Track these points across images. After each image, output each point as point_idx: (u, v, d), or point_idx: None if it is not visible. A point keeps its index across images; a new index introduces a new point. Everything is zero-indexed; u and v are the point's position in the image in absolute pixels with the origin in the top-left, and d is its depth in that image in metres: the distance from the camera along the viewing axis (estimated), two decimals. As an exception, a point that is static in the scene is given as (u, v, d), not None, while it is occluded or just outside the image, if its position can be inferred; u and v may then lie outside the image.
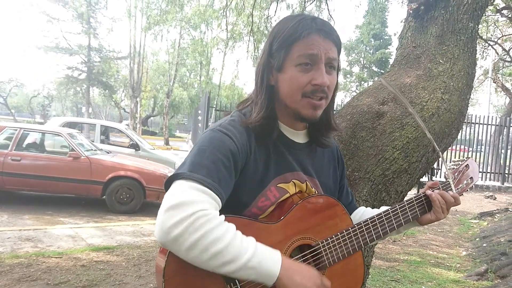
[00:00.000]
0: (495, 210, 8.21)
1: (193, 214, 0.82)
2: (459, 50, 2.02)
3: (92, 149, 7.02)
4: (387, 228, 1.09)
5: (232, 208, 0.97)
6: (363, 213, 1.24)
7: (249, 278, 0.87)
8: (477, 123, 13.33)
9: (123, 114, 35.65)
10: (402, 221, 1.11)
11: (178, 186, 0.88)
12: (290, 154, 1.10)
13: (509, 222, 6.73)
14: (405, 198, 1.27)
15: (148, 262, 3.83)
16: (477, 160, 13.98)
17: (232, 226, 0.88)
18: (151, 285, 3.24)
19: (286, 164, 1.08)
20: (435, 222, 5.05)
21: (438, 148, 1.12)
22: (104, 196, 6.37)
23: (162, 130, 29.18)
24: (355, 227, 1.06)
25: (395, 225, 1.10)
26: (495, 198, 10.73)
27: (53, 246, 4.17)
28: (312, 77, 0.99)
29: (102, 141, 9.28)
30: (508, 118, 13.95)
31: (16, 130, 6.47)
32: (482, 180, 13.48)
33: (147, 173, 6.51)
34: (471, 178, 1.22)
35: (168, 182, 0.91)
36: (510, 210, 8.07)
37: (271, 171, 1.05)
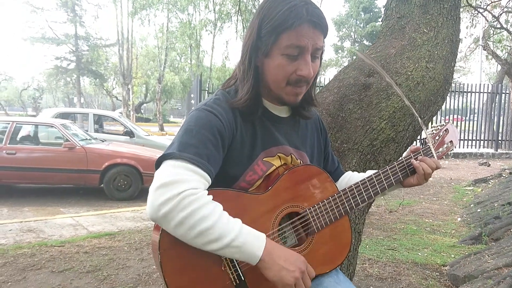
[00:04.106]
0: (489, 176, 8.34)
1: (182, 192, 0.86)
2: (442, 18, 2.03)
3: (86, 139, 7.02)
4: (371, 193, 1.14)
5: (221, 183, 1.01)
6: (349, 177, 1.29)
7: (233, 256, 0.91)
8: (469, 92, 13.39)
9: (115, 102, 35.42)
10: (386, 185, 1.16)
11: (168, 165, 0.91)
12: (276, 128, 1.13)
13: (502, 187, 6.85)
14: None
15: (150, 246, 3.90)
16: (471, 128, 14.11)
17: (219, 206, 0.91)
18: (154, 267, 3.31)
19: (271, 138, 1.12)
20: (431, 192, 5.08)
21: (416, 114, 1.16)
22: (102, 185, 6.41)
23: (156, 116, 29.06)
24: (340, 193, 1.11)
25: (378, 189, 1.15)
26: (489, 165, 10.88)
27: (55, 236, 4.23)
28: (298, 67, 1.01)
29: (96, 130, 9.27)
30: (500, 85, 14.02)
31: (8, 123, 6.45)
32: (476, 147, 13.64)
33: (143, 159, 6.54)
34: (451, 141, 1.26)
35: (158, 162, 0.94)
36: (504, 175, 8.20)
37: (257, 146, 1.09)
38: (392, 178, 1.16)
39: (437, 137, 1.24)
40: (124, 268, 3.27)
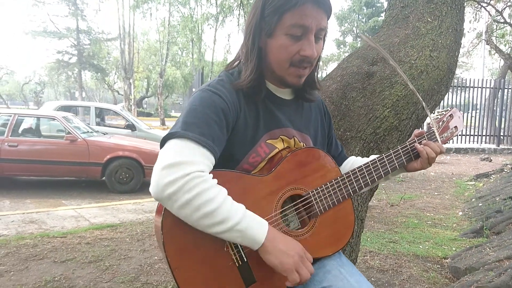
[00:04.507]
0: (490, 172, 8.32)
1: (188, 174, 0.85)
2: (447, 8, 2.02)
3: (88, 131, 7.03)
4: (375, 177, 1.14)
5: (224, 165, 1.01)
6: (353, 162, 1.29)
7: (235, 241, 0.91)
8: (472, 87, 13.33)
9: (117, 96, 35.41)
10: (389, 169, 1.16)
11: (174, 145, 0.90)
12: (279, 110, 1.13)
13: (504, 181, 6.84)
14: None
15: (152, 237, 3.91)
16: (473, 123, 14.06)
17: (224, 190, 0.91)
18: (156, 257, 3.33)
19: (275, 120, 1.11)
20: (432, 186, 5.07)
21: (421, 99, 1.15)
22: (104, 178, 6.42)
23: (157, 110, 29.04)
24: (343, 176, 1.10)
25: (382, 173, 1.15)
26: (490, 160, 10.86)
27: (57, 227, 4.24)
28: (301, 47, 1.01)
29: (97, 124, 9.27)
30: (502, 80, 13.95)
31: (10, 116, 6.45)
32: (478, 143, 13.61)
33: (145, 152, 6.54)
34: (456, 127, 1.26)
35: (163, 141, 0.93)
36: (506, 170, 8.18)
37: (260, 127, 1.08)
38: (395, 162, 1.16)
39: (441, 122, 1.23)
40: (126, 259, 3.28)
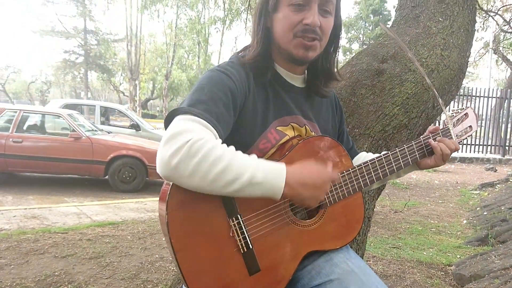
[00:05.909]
0: (496, 181, 8.24)
1: (190, 140, 0.82)
2: (458, 8, 2.00)
3: (92, 130, 7.03)
4: (387, 171, 1.11)
5: None
6: (364, 157, 1.26)
7: (255, 194, 0.87)
8: (477, 96, 13.24)
9: (122, 98, 35.53)
10: (402, 164, 1.13)
11: (176, 121, 0.88)
12: (289, 97, 1.11)
13: (509, 191, 6.77)
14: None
15: (153, 236, 3.89)
16: (478, 134, 13.97)
17: (231, 147, 0.88)
18: (157, 256, 3.30)
19: (285, 107, 1.09)
20: (437, 194, 5.01)
21: (436, 93, 1.12)
22: (107, 176, 6.40)
23: (162, 113, 29.12)
24: (355, 168, 1.08)
25: (394, 167, 1.12)
26: (495, 170, 10.77)
27: (59, 223, 4.23)
28: (304, 17, 1.00)
29: (102, 123, 9.27)
30: (509, 90, 13.84)
31: (16, 112, 6.46)
32: (483, 153, 13.52)
33: (149, 151, 6.52)
34: (470, 126, 1.23)
35: (168, 119, 0.91)
36: (511, 180, 8.10)
37: (270, 113, 1.06)
38: (409, 157, 1.13)
39: (456, 120, 1.21)
40: (126, 256, 3.26)
